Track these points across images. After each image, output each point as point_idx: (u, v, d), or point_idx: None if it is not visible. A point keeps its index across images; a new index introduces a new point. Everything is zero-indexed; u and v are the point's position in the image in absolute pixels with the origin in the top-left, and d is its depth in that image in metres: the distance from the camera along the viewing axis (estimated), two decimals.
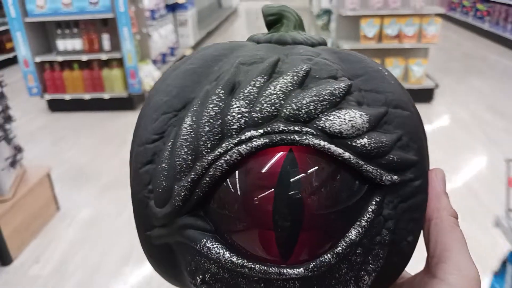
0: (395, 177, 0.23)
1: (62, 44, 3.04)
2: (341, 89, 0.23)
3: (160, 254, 0.25)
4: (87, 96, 3.15)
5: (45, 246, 1.75)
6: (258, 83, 0.23)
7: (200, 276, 0.23)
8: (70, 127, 2.99)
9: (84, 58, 3.03)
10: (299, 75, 0.23)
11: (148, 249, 0.26)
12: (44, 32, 3.16)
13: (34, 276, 1.59)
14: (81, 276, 1.59)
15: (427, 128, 2.82)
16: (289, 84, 0.23)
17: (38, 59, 3.07)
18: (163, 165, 0.23)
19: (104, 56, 3.02)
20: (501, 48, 4.93)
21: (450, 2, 6.46)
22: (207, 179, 0.22)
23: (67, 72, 3.13)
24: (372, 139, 0.22)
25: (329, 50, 0.27)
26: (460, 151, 2.46)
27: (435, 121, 2.88)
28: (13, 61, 4.46)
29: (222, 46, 0.27)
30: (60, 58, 3.05)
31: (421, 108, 3.02)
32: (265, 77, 0.23)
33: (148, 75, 3.17)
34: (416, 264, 0.28)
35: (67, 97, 3.17)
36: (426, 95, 3.07)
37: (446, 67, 4.06)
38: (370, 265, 0.23)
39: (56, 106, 3.26)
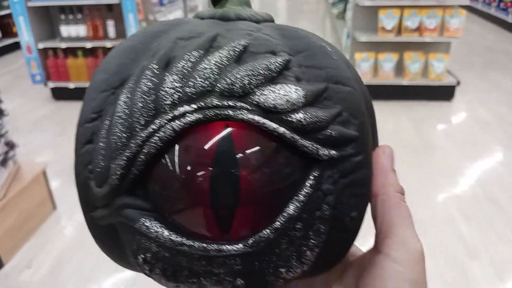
0: (333, 152, 0.23)
1: (66, 30, 2.92)
2: (277, 64, 0.23)
3: (105, 235, 0.25)
4: None
5: (38, 249, 1.65)
6: (193, 57, 0.22)
7: (142, 256, 0.23)
8: (73, 117, 2.85)
9: (89, 45, 2.91)
10: (236, 49, 0.23)
11: (94, 230, 0.25)
12: (48, 17, 3.04)
13: (25, 283, 1.50)
14: (75, 284, 1.49)
15: (445, 127, 2.74)
16: (224, 59, 0.22)
17: (41, 45, 2.95)
18: (101, 144, 0.23)
19: (109, 44, 2.90)
20: None
21: None
22: (142, 156, 0.22)
23: (71, 60, 3.02)
24: (308, 114, 0.22)
25: (273, 26, 0.27)
26: (480, 153, 2.31)
27: (455, 120, 2.72)
28: (20, 45, 4.36)
29: (165, 22, 0.27)
30: (63, 45, 2.93)
31: (441, 107, 2.92)
32: (201, 51, 0.23)
33: None
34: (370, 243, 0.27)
35: (71, 85, 3.06)
36: (446, 92, 2.91)
37: (467, 62, 3.86)
38: (312, 240, 0.23)
39: (60, 94, 3.16)
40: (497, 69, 3.73)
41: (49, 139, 2.59)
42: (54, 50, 3.01)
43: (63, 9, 2.88)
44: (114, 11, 2.87)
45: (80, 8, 2.88)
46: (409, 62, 2.81)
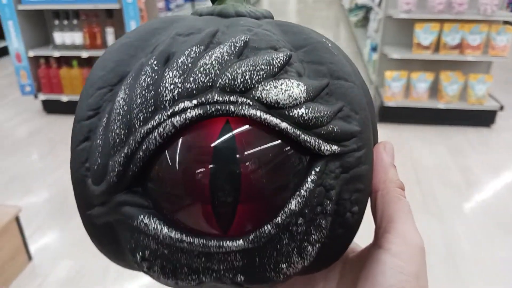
0: (335, 147, 0.23)
1: (60, 37, 2.60)
2: (279, 59, 0.22)
3: (102, 233, 0.24)
4: None
5: None
6: (193, 53, 0.22)
7: (140, 253, 0.23)
8: (65, 133, 2.54)
9: (85, 54, 2.59)
10: (237, 45, 0.22)
11: (91, 229, 0.24)
12: (40, 23, 2.72)
13: None
14: None
15: (483, 157, 2.40)
16: (225, 54, 0.22)
17: (32, 53, 2.63)
18: (98, 141, 0.22)
19: None
20: None
21: None
22: (141, 153, 0.21)
23: (64, 70, 2.69)
24: (310, 109, 0.22)
25: (273, 22, 0.26)
26: None
27: (493, 149, 2.37)
28: None
29: (163, 19, 0.26)
30: (57, 53, 2.61)
31: (479, 133, 2.55)
32: (201, 47, 0.22)
33: None
34: (369, 239, 0.26)
35: (64, 98, 2.74)
36: (486, 118, 2.56)
37: (508, 83, 3.48)
38: (313, 236, 0.23)
39: (51, 107, 2.84)
40: None
41: (33, 162, 2.26)
42: (47, 58, 2.69)
43: (57, 13, 2.55)
44: (114, 17, 2.55)
45: (76, 13, 2.55)
46: (446, 83, 2.47)
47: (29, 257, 1.55)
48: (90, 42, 2.60)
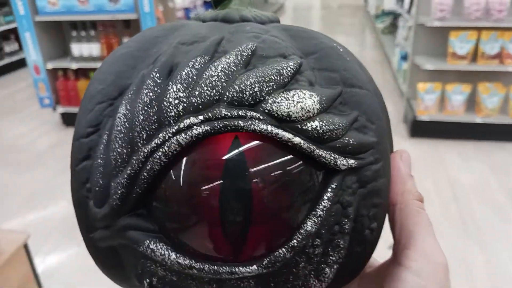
0: (352, 161, 0.21)
1: (77, 48, 2.53)
2: (289, 68, 0.21)
3: (106, 257, 0.23)
4: None
5: None
6: (197, 64, 0.21)
7: (148, 280, 0.22)
8: None
9: None
10: (244, 54, 0.21)
11: (94, 252, 0.23)
12: (58, 34, 2.66)
13: None
14: None
15: None
16: (232, 65, 0.21)
17: (50, 65, 2.58)
18: (99, 160, 0.21)
19: None
20: None
21: None
22: (145, 174, 0.20)
23: (82, 82, 2.63)
24: (324, 121, 0.21)
25: (280, 27, 0.25)
26: None
27: None
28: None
29: (163, 26, 0.25)
30: (74, 65, 2.54)
31: None
32: (206, 57, 0.21)
33: None
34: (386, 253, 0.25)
35: None
36: None
37: None
38: (331, 257, 0.22)
39: (70, 120, 2.78)
40: None
41: (51, 177, 2.18)
42: (65, 71, 2.62)
43: (74, 24, 2.49)
44: (132, 28, 2.47)
45: (93, 24, 2.48)
46: (485, 95, 2.29)
47: (39, 286, 1.46)
48: (108, 53, 2.52)
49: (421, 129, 2.40)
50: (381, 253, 0.27)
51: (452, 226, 1.71)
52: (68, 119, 2.78)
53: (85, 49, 2.52)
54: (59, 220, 1.82)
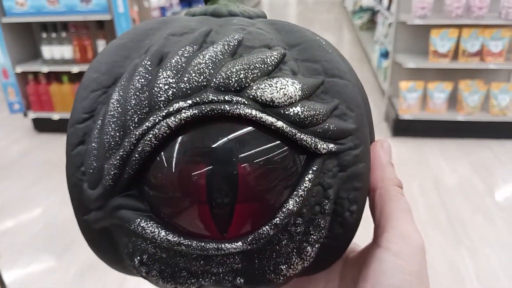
0: (332, 145, 0.22)
1: (48, 51, 2.41)
2: (273, 58, 0.22)
3: (100, 239, 0.24)
4: None
5: None
6: (186, 52, 0.22)
7: (138, 258, 0.23)
8: (58, 154, 2.36)
9: (75, 69, 2.40)
10: (231, 44, 0.22)
11: (88, 234, 0.24)
12: (27, 36, 2.54)
13: None
14: None
15: (507, 173, 2.22)
16: (219, 53, 0.22)
17: (20, 69, 2.45)
18: (93, 144, 0.22)
19: None
20: None
21: None
22: (137, 155, 0.21)
23: (54, 86, 2.51)
24: (306, 107, 0.22)
25: (266, 21, 0.26)
26: None
27: None
28: None
29: (156, 20, 0.26)
30: (45, 69, 2.43)
31: (503, 146, 2.31)
32: (195, 46, 0.22)
33: None
34: (368, 239, 0.26)
35: (56, 116, 2.55)
36: (510, 129, 2.36)
37: None
38: (312, 236, 0.23)
39: (43, 126, 2.66)
40: None
41: (23, 188, 2.07)
42: (35, 74, 2.50)
43: (44, 26, 2.37)
44: (106, 29, 2.37)
45: (65, 25, 2.37)
46: (466, 93, 2.28)
47: None
48: (81, 56, 2.41)
49: (403, 128, 2.39)
50: (364, 240, 0.28)
51: (438, 227, 1.69)
52: (40, 125, 2.66)
53: (56, 51, 2.41)
54: (33, 232, 1.72)
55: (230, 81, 0.21)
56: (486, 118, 2.32)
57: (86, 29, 2.39)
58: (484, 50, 2.22)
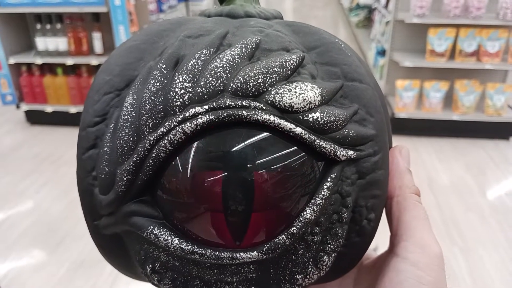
0: (351, 152, 0.22)
1: (42, 42, 2.38)
2: (292, 61, 0.22)
3: (110, 244, 0.24)
4: (73, 109, 2.49)
5: None
6: (203, 55, 0.21)
7: (150, 265, 0.22)
8: (50, 147, 2.33)
9: (70, 61, 2.37)
10: (248, 47, 0.22)
11: (98, 239, 0.24)
12: (21, 27, 2.50)
13: None
14: None
15: (500, 173, 2.24)
16: (236, 57, 0.21)
17: (13, 60, 2.42)
18: (105, 149, 0.22)
19: (94, 61, 2.36)
20: None
21: None
22: (151, 161, 0.21)
23: (48, 78, 2.48)
24: (325, 112, 0.21)
25: (283, 22, 0.26)
26: None
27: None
28: None
29: (170, 21, 0.25)
30: (39, 60, 2.39)
31: (497, 146, 2.33)
32: (211, 49, 0.22)
33: None
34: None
35: (49, 108, 2.52)
36: (504, 130, 2.38)
37: None
38: (329, 245, 0.22)
39: (35, 118, 2.63)
40: None
41: (14, 182, 2.05)
42: (29, 66, 2.47)
43: (39, 17, 2.34)
44: (101, 22, 2.34)
45: (59, 17, 2.34)
46: (462, 93, 2.29)
47: None
48: (76, 48, 2.39)
49: (399, 127, 2.39)
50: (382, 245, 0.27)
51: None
52: (33, 117, 2.63)
53: (50, 43, 2.38)
54: (24, 227, 1.70)
55: (248, 86, 0.21)
56: (481, 118, 2.33)
57: (82, 21, 2.36)
58: (481, 50, 2.23)
